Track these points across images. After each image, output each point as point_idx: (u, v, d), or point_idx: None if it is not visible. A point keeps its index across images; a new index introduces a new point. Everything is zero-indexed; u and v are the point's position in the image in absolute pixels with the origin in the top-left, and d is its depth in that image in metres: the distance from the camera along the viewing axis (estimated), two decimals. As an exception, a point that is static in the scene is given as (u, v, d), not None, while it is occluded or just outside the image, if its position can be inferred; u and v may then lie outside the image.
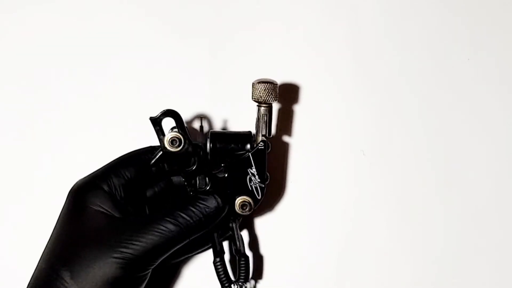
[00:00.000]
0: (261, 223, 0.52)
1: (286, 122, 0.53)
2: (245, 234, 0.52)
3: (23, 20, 0.53)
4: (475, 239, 0.52)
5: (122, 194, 0.44)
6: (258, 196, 0.46)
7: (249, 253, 0.51)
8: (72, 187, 0.44)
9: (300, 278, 0.52)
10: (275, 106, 0.52)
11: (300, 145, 0.52)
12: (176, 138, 0.44)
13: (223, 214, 0.45)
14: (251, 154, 0.46)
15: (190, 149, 0.45)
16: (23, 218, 0.51)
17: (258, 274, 0.52)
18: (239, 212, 0.46)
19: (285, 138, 0.53)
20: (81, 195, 0.43)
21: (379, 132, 0.53)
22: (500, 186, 0.53)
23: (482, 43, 0.53)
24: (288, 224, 0.52)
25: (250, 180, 0.46)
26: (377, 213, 0.52)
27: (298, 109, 0.53)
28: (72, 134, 0.52)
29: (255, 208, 0.47)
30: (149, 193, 0.48)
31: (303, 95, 0.53)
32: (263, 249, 0.52)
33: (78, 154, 0.52)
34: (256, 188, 0.46)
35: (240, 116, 0.52)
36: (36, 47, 0.53)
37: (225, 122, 0.52)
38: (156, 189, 0.48)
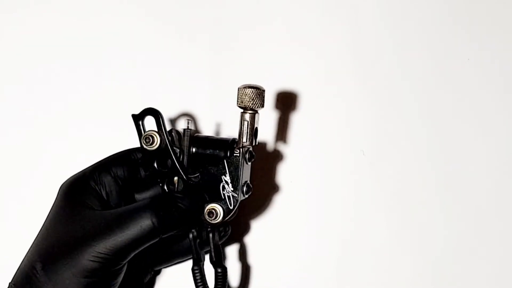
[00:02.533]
0: (259, 226, 0.52)
1: (286, 122, 0.52)
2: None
3: (23, 20, 0.53)
4: (475, 239, 0.52)
5: (110, 191, 0.44)
6: (231, 206, 0.44)
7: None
8: (63, 183, 0.45)
9: (295, 284, 0.52)
10: (276, 108, 0.52)
11: (300, 145, 0.52)
12: (149, 136, 0.44)
13: (196, 215, 0.44)
14: (226, 161, 0.44)
15: (166, 149, 0.44)
16: (20, 215, 0.52)
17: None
18: (207, 219, 0.44)
19: (286, 138, 0.53)
20: (69, 191, 0.44)
21: (379, 132, 0.53)
22: (500, 186, 0.53)
23: (482, 43, 0.53)
24: (286, 223, 0.52)
25: (224, 188, 0.44)
26: (377, 213, 0.52)
27: (298, 109, 0.53)
28: (72, 133, 0.52)
29: (228, 218, 0.44)
30: (142, 196, 0.47)
31: (303, 95, 0.53)
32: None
33: (78, 153, 0.52)
34: (228, 197, 0.44)
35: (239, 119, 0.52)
36: (36, 47, 0.53)
37: (224, 125, 0.52)
38: (149, 195, 0.48)
